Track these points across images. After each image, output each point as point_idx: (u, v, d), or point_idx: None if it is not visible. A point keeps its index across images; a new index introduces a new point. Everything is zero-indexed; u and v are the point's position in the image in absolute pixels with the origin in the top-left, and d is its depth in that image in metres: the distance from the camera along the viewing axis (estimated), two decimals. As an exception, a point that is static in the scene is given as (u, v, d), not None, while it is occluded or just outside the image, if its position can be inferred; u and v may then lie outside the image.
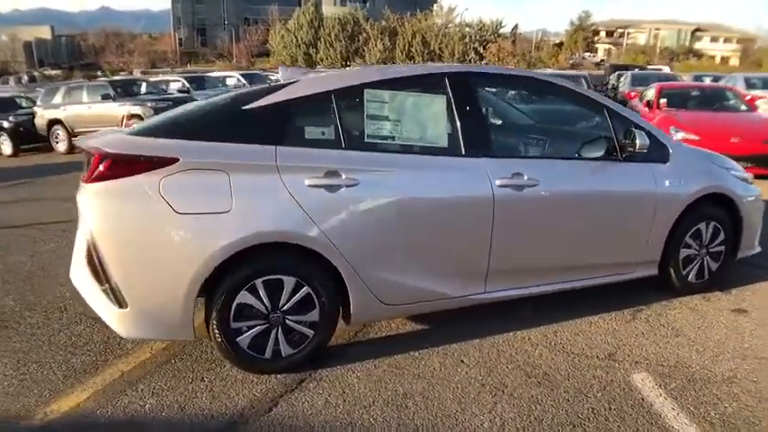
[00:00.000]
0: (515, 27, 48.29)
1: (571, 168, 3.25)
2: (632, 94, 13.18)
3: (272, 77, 19.20)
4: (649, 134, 3.31)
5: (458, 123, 2.95)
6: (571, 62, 48.20)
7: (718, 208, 3.70)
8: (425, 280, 2.95)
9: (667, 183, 3.44)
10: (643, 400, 2.64)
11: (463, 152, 2.96)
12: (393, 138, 2.89)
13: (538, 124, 4.09)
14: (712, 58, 62.81)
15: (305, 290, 2.71)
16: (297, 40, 45.65)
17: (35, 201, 7.69)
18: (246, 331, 2.70)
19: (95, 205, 2.57)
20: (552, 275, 3.29)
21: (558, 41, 62.62)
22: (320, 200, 2.67)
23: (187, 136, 2.66)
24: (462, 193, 2.93)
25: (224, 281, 2.60)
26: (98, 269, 2.55)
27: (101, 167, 2.53)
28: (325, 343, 2.89)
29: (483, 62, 44.88)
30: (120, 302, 2.56)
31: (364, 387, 2.71)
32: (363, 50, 45.12)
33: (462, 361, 2.96)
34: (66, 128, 12.80)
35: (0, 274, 4.50)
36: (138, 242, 2.54)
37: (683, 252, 3.66)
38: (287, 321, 2.74)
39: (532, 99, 5.49)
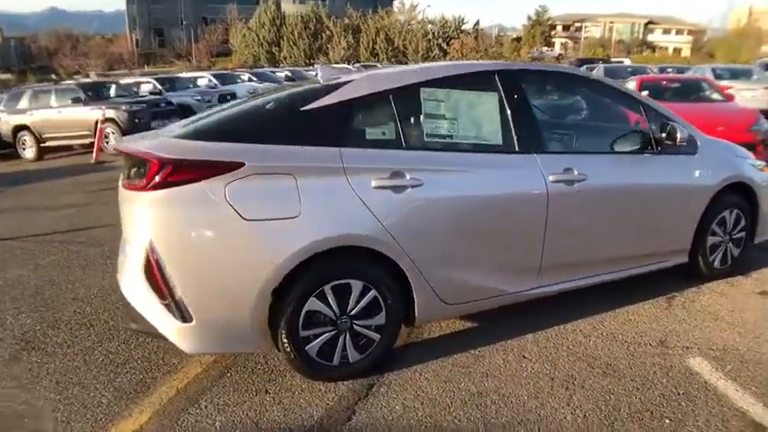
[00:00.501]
0: (477, 23, 48.94)
1: (614, 162, 3.32)
2: None
3: (242, 78, 18.97)
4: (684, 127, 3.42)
5: (510, 120, 2.98)
6: (532, 57, 49.06)
7: (739, 196, 3.84)
8: (485, 277, 2.96)
9: (697, 173, 3.57)
10: (706, 383, 2.72)
11: (517, 149, 2.98)
12: (451, 136, 2.89)
13: (573, 120, 4.17)
14: (665, 49, 65.04)
15: (372, 293, 2.68)
16: (259, 39, 45.08)
17: (17, 211, 7.36)
18: (315, 339, 2.65)
19: (155, 215, 2.45)
20: (598, 267, 3.36)
21: (515, 36, 63.68)
22: (387, 201, 2.64)
23: (248, 139, 2.57)
24: (520, 189, 2.96)
25: (293, 288, 2.54)
26: (159, 283, 2.44)
27: (160, 174, 2.41)
28: (390, 346, 2.86)
29: (447, 58, 45.32)
30: (184, 316, 2.46)
31: (437, 389, 2.70)
32: (327, 48, 44.87)
33: (524, 356, 2.99)
34: (33, 134, 12.30)
35: (6, 291, 4.29)
36: (204, 252, 2.45)
37: (710, 240, 3.79)
38: (354, 326, 2.70)
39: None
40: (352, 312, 2.68)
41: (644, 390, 2.67)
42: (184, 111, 13.31)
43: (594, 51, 46.19)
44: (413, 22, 48.28)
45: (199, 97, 14.27)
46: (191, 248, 2.45)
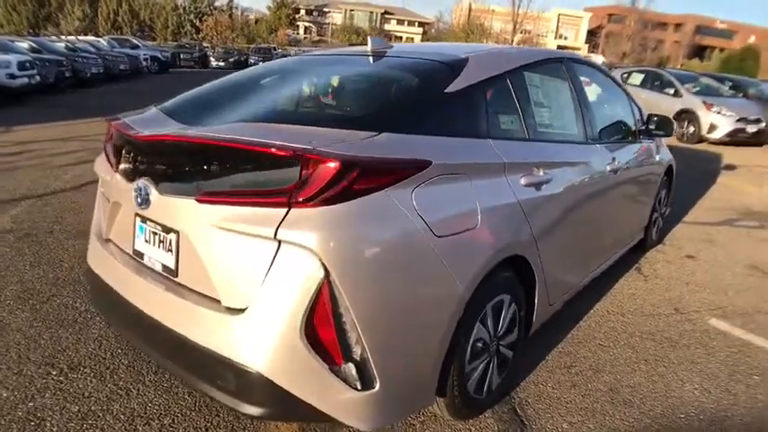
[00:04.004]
0: (231, 1, 47.00)
1: (627, 150, 3.58)
2: None
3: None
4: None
5: (580, 110, 3.00)
6: (289, 40, 49.39)
7: (666, 176, 4.55)
8: (571, 272, 2.96)
9: (658, 158, 4.11)
10: (739, 338, 3.21)
11: (586, 139, 3.01)
12: (551, 125, 2.78)
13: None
14: (400, 38, 72.23)
15: (513, 307, 2.42)
16: (-40, 0, 35.62)
17: None
18: (474, 372, 2.27)
19: (333, 240, 1.65)
20: (613, 249, 3.62)
21: (258, 18, 63.54)
22: (533, 201, 2.38)
23: (408, 128, 1.97)
24: (598, 180, 3.02)
25: (466, 316, 2.07)
26: (333, 340, 1.71)
27: (342, 181, 1.66)
28: (513, 362, 2.62)
29: (200, 36, 42.67)
30: (365, 381, 1.77)
31: (573, 395, 2.60)
32: (57, 17, 37.83)
33: (601, 345, 3.07)
34: None
35: None
36: (395, 286, 1.80)
37: (654, 215, 4.43)
38: (499, 348, 2.42)
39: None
40: (501, 332, 2.39)
41: (713, 354, 3.02)
42: None
43: (350, 37, 48.56)
44: (160, -7, 43.94)
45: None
46: (380, 284, 1.76)
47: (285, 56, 35.37)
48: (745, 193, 7.22)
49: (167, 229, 1.98)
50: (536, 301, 2.59)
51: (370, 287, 1.75)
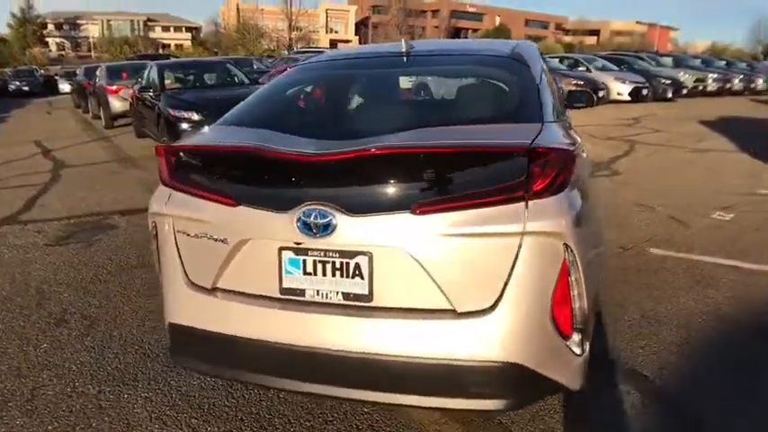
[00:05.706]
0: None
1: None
2: (114, 87, 12.81)
3: None
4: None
5: (558, 91, 3.51)
6: (48, 58, 43.63)
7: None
8: None
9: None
10: (679, 258, 4.11)
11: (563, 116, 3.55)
12: (559, 107, 3.19)
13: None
14: (168, 45, 67.92)
15: None
16: None
17: None
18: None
19: (571, 221, 1.81)
20: None
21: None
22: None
23: (550, 119, 2.25)
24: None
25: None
26: (569, 313, 1.87)
27: (565, 170, 1.85)
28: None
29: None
30: (582, 346, 1.93)
31: (622, 327, 3.10)
32: None
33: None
34: None
35: None
36: (594, 256, 2.10)
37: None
38: None
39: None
40: None
41: (676, 273, 3.84)
42: None
43: (122, 50, 44.29)
44: None
45: None
46: (590, 256, 1.99)
47: (50, 77, 30.51)
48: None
49: (350, 254, 1.85)
50: None
51: (588, 259, 1.96)
